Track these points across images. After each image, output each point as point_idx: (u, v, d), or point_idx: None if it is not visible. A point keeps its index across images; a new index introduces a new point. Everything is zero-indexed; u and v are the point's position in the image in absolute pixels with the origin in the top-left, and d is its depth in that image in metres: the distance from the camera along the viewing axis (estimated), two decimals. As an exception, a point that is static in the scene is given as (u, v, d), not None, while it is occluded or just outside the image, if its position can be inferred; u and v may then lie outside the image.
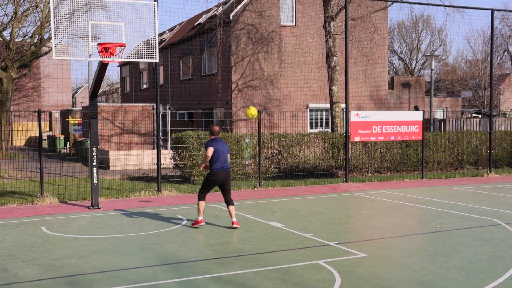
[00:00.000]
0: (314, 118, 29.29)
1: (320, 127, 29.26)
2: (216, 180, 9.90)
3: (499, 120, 28.01)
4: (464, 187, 15.89)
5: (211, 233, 9.49)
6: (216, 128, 10.07)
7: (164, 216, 11.32)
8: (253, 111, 10.98)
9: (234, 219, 9.96)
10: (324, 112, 29.22)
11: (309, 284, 6.44)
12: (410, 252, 8.09)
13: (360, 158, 18.73)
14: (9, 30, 29.49)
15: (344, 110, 17.82)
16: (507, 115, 46.54)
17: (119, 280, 6.69)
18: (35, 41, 29.38)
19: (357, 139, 16.98)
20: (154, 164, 15.70)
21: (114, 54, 10.49)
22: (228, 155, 10.08)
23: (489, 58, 28.37)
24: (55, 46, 10.77)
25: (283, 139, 17.66)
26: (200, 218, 10.05)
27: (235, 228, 9.87)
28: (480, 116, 38.86)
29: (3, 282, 6.62)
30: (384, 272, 6.98)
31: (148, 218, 11.19)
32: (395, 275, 6.81)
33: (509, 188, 15.51)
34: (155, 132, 24.30)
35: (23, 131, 37.07)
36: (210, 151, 9.77)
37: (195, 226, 10.09)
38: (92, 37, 10.75)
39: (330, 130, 23.00)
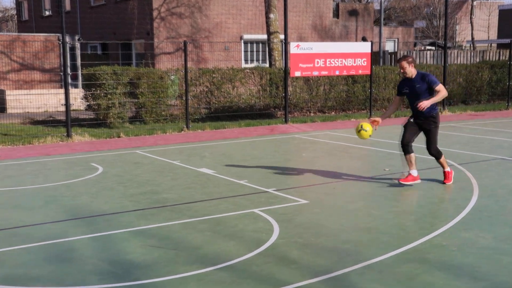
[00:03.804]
0: (249, 50, 29.16)
1: (256, 61, 29.21)
2: None
3: (454, 53, 28.86)
4: (415, 127, 16.38)
5: (130, 182, 9.42)
6: None
7: (75, 165, 11.12)
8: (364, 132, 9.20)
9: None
10: (260, 44, 29.11)
11: (244, 235, 6.54)
12: (355, 197, 8.34)
13: (301, 96, 18.92)
14: None
15: (283, 41, 17.80)
16: (463, 47, 48.01)
17: (22, 237, 6.56)
18: None
19: (297, 74, 17.07)
20: (62, 105, 15.32)
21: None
22: None
23: (445, -17, 28.76)
24: None
25: (213, 75, 17.53)
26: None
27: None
28: (434, 48, 39.90)
29: None
30: (327, 219, 7.17)
31: (55, 167, 10.99)
32: (339, 222, 7.02)
33: (463, 127, 16.15)
34: (62, 68, 23.55)
35: None
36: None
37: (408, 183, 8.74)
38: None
39: (267, 64, 23.02)
